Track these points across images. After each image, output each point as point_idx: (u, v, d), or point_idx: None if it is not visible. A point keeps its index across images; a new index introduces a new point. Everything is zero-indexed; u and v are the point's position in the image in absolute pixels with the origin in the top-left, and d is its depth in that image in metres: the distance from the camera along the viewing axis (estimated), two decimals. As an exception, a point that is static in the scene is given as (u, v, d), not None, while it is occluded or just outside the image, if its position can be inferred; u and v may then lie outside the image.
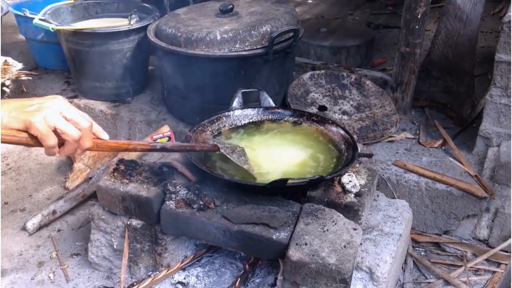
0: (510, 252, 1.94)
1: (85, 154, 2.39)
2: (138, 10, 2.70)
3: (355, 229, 1.49)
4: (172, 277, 1.75)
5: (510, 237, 1.95)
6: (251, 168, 1.63)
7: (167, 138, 2.23)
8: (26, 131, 1.02)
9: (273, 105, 2.00)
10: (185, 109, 2.36)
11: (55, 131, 1.04)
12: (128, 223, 1.71)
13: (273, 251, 1.48)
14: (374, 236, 1.63)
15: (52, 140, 1.03)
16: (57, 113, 1.04)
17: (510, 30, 1.84)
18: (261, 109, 1.97)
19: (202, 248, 1.84)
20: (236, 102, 1.95)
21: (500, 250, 1.94)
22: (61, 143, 1.07)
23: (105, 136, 1.18)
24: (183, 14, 2.37)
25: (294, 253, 1.40)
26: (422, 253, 2.01)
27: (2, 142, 1.02)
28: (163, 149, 1.45)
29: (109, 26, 2.49)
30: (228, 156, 1.60)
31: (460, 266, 1.92)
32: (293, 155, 1.78)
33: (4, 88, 2.79)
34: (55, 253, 1.97)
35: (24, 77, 2.72)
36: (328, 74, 2.53)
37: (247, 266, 1.75)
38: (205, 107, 2.24)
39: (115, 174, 1.73)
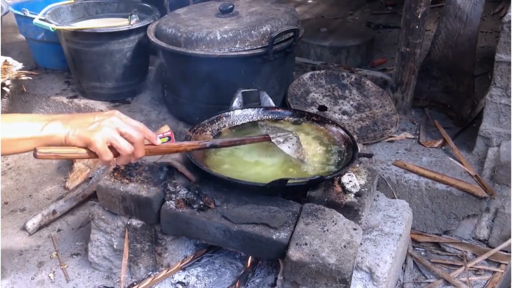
0: (510, 252, 1.94)
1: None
2: (138, 10, 2.70)
3: (355, 229, 1.49)
4: (172, 277, 1.75)
5: (510, 237, 1.95)
6: (302, 157, 1.63)
7: (167, 138, 2.23)
8: (86, 148, 1.17)
9: (273, 105, 2.00)
10: (185, 109, 2.36)
11: (111, 147, 1.18)
12: (128, 223, 1.71)
13: (273, 251, 1.49)
14: (374, 236, 1.63)
15: (109, 156, 1.18)
16: (113, 130, 1.18)
17: (510, 30, 1.85)
18: (261, 109, 1.97)
19: (202, 248, 1.84)
20: (236, 102, 1.95)
21: (500, 250, 1.94)
22: (116, 153, 1.20)
23: (158, 142, 1.31)
24: (183, 14, 2.37)
25: (294, 253, 1.40)
26: (422, 253, 2.01)
27: (63, 159, 1.20)
28: (213, 146, 1.52)
29: (109, 26, 2.49)
30: (278, 146, 1.60)
31: (460, 266, 1.92)
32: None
33: (4, 88, 2.79)
34: (55, 253, 1.97)
35: (24, 77, 2.72)
36: (328, 74, 2.53)
37: (248, 265, 1.75)
38: (205, 107, 2.24)
39: (115, 174, 1.73)
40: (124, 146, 1.19)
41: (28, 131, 1.15)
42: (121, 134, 1.19)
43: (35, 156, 1.13)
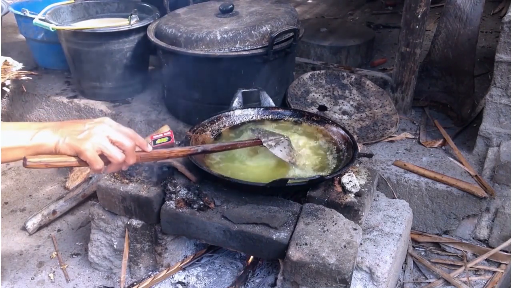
0: (510, 252, 1.94)
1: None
2: (138, 10, 2.70)
3: (355, 229, 1.49)
4: (172, 277, 1.75)
5: (510, 237, 1.95)
6: (294, 160, 1.63)
7: (167, 138, 2.23)
8: (76, 156, 1.15)
9: (273, 105, 2.00)
10: (185, 109, 2.36)
11: (102, 155, 1.16)
12: (128, 223, 1.71)
13: (273, 251, 1.49)
14: (374, 236, 1.63)
15: (99, 165, 1.17)
16: (103, 138, 1.16)
17: (510, 30, 1.84)
18: (261, 109, 1.97)
19: (202, 248, 1.84)
20: (236, 102, 1.95)
21: (500, 250, 1.94)
22: (107, 161, 1.19)
23: (149, 148, 1.30)
24: (183, 14, 2.37)
25: (294, 253, 1.40)
26: (422, 253, 2.01)
27: (53, 167, 1.21)
28: (204, 151, 1.51)
29: (109, 26, 2.48)
30: (270, 150, 1.60)
31: (460, 266, 1.92)
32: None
33: (4, 88, 2.80)
34: (55, 253, 1.97)
35: (24, 77, 2.72)
36: (328, 74, 2.53)
37: (247, 264, 1.75)
38: (205, 107, 2.24)
39: (115, 174, 1.73)
40: (115, 154, 1.18)
41: (17, 140, 1.12)
42: (112, 142, 1.18)
43: (24, 165, 1.11)
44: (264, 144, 1.60)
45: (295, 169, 1.65)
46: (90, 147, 1.14)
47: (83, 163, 1.16)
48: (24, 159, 1.11)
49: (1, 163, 1.17)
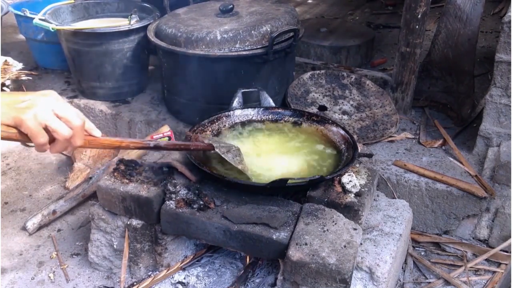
0: (510, 252, 1.94)
1: (85, 154, 2.40)
2: (138, 10, 2.70)
3: (355, 229, 1.49)
4: (172, 277, 1.75)
5: (510, 237, 1.95)
6: (245, 168, 1.63)
7: (167, 138, 2.23)
8: (16, 128, 1.02)
9: (273, 105, 2.00)
10: (185, 109, 2.36)
11: (46, 129, 1.03)
12: (128, 223, 1.71)
13: (273, 251, 1.48)
14: (374, 236, 1.63)
15: (42, 138, 1.03)
16: (49, 110, 1.03)
17: (510, 30, 1.84)
18: (261, 109, 1.97)
19: (202, 248, 1.84)
20: (236, 102, 1.95)
21: (500, 250, 1.94)
22: (52, 140, 1.06)
23: (97, 133, 1.18)
24: (183, 14, 2.37)
25: (294, 253, 1.40)
26: (422, 253, 2.01)
27: None
28: (156, 147, 1.44)
29: (109, 26, 2.49)
30: (222, 155, 1.60)
31: (460, 266, 1.92)
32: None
33: (4, 88, 2.80)
34: (55, 253, 1.97)
35: (24, 77, 2.72)
36: (328, 74, 2.53)
37: (246, 265, 1.75)
38: (205, 107, 2.24)
39: (115, 174, 1.73)
40: (62, 129, 1.04)
41: None
42: (58, 117, 1.05)
43: None
44: (216, 150, 1.60)
45: None
46: (31, 116, 1.00)
47: (24, 136, 1.02)
48: None
49: None
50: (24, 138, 1.03)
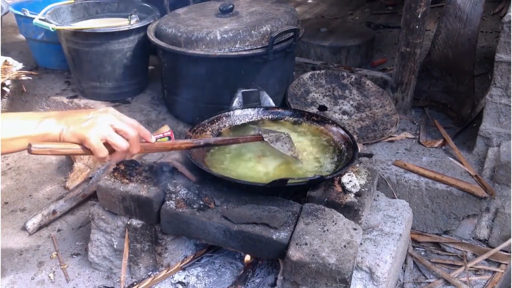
0: (510, 252, 1.94)
1: (85, 154, 2.39)
2: (138, 10, 2.70)
3: (355, 229, 1.49)
4: (172, 277, 1.75)
5: (510, 237, 1.95)
6: (296, 155, 1.64)
7: (167, 138, 2.23)
8: (81, 144, 1.17)
9: (273, 105, 2.00)
10: (185, 109, 2.36)
11: (106, 143, 1.18)
12: (128, 223, 1.71)
13: (273, 251, 1.48)
14: (374, 236, 1.63)
15: (103, 153, 1.18)
16: (108, 126, 1.18)
17: (510, 30, 1.84)
18: (261, 109, 1.97)
19: (202, 248, 1.84)
20: (236, 102, 1.95)
21: (500, 250, 1.94)
22: (112, 150, 1.20)
23: (152, 139, 1.32)
24: (183, 14, 2.37)
25: (294, 253, 1.40)
26: (422, 253, 2.01)
27: (58, 154, 1.26)
28: (206, 144, 1.53)
29: (109, 26, 2.49)
30: (271, 145, 1.61)
31: (460, 266, 1.92)
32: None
33: (4, 88, 2.79)
34: (55, 253, 1.97)
35: (24, 77, 2.72)
36: (328, 74, 2.53)
37: (246, 264, 1.75)
38: (205, 107, 2.24)
39: (115, 174, 1.73)
40: (120, 143, 1.19)
41: (22, 129, 1.15)
42: (116, 131, 1.20)
43: (29, 151, 1.12)
44: (265, 140, 1.62)
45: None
46: (94, 134, 1.15)
47: (87, 151, 1.17)
48: (29, 145, 1.12)
49: (8, 153, 1.19)
50: (88, 152, 1.18)
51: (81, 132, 1.15)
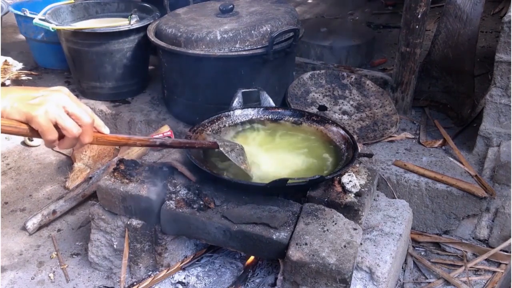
0: (510, 252, 1.94)
1: (85, 154, 2.39)
2: (138, 10, 2.70)
3: (355, 229, 1.49)
4: (172, 277, 1.75)
5: (510, 237, 1.95)
6: (248, 168, 1.63)
7: (167, 138, 2.23)
8: (27, 123, 1.02)
9: (273, 105, 2.00)
10: (185, 109, 2.36)
11: (56, 126, 1.04)
12: (128, 223, 1.71)
13: (273, 251, 1.49)
14: (374, 236, 1.63)
15: (52, 136, 1.04)
16: (59, 107, 1.04)
17: (510, 30, 1.84)
18: (261, 109, 1.97)
19: (202, 248, 1.84)
20: (236, 102, 1.95)
21: (500, 250, 1.94)
22: (62, 136, 1.07)
23: (106, 130, 1.19)
24: (183, 14, 2.37)
25: (294, 253, 1.40)
26: (422, 253, 2.01)
27: (2, 132, 1.02)
28: (162, 145, 1.45)
29: (109, 26, 2.49)
30: (226, 154, 1.60)
31: (460, 266, 1.92)
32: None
33: (4, 88, 2.79)
34: (55, 253, 1.97)
35: (24, 77, 2.72)
36: (328, 74, 2.53)
37: (245, 265, 1.75)
38: (205, 107, 2.24)
39: (115, 174, 1.73)
40: (71, 127, 1.05)
41: None
42: (68, 114, 1.06)
43: None
44: (220, 148, 1.59)
45: None
46: (42, 113, 1.01)
47: (34, 132, 1.03)
48: None
49: None
50: (34, 134, 1.04)
51: (28, 110, 1.00)
